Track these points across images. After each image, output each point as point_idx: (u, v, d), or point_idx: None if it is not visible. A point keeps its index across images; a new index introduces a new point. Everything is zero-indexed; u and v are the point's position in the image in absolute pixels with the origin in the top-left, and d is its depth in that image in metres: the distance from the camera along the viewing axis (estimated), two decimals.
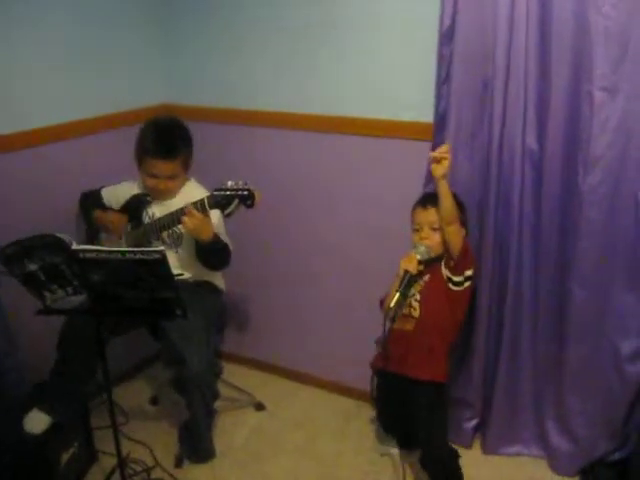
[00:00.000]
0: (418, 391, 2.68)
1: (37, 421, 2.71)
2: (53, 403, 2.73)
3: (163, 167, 2.84)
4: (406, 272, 2.56)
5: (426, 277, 2.67)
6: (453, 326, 2.71)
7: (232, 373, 3.54)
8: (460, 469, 2.66)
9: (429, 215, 2.61)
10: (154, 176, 2.86)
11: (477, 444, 3.12)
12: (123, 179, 3.04)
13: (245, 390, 3.49)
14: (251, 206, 2.53)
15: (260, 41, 3.20)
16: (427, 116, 2.81)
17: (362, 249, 3.19)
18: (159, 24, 3.46)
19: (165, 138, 2.85)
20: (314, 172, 3.26)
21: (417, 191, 2.80)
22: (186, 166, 2.93)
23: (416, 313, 2.67)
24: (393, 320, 2.59)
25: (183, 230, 2.79)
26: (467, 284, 2.63)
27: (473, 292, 2.74)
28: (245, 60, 3.28)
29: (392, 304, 2.53)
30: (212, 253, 2.83)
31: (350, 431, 3.25)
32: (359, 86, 3.01)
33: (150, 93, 3.51)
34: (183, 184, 2.97)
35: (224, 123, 3.41)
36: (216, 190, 2.54)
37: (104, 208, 3.04)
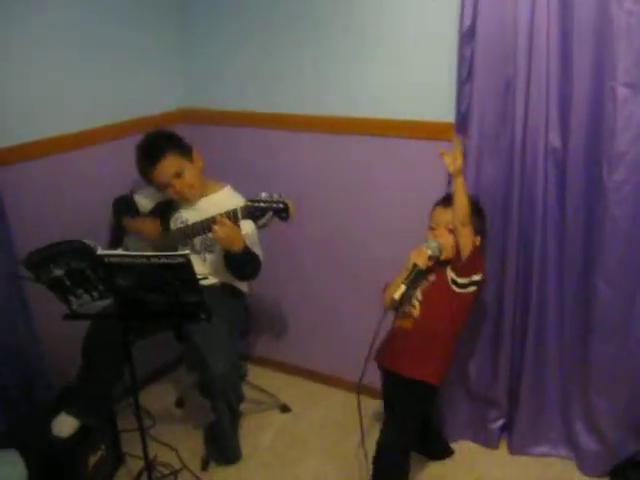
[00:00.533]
0: (407, 390, 2.65)
1: (65, 425, 2.73)
2: (80, 407, 2.76)
3: (162, 170, 2.86)
4: (415, 266, 2.53)
5: (432, 277, 2.63)
6: (452, 330, 2.66)
7: (257, 375, 3.56)
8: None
9: (447, 215, 2.58)
10: (166, 185, 2.89)
11: (503, 444, 3.10)
12: (140, 186, 3.05)
13: (270, 392, 3.50)
14: (286, 219, 2.53)
15: (279, 42, 3.21)
16: (447, 116, 2.80)
17: (386, 251, 3.17)
18: (176, 26, 3.47)
19: (147, 147, 2.91)
20: (335, 174, 3.26)
21: (439, 191, 2.79)
22: (189, 158, 2.93)
23: (416, 312, 2.63)
24: (397, 311, 2.59)
25: (214, 238, 2.79)
26: (472, 289, 2.58)
27: (476, 300, 2.69)
28: (264, 62, 3.29)
29: (396, 296, 2.50)
30: (241, 264, 2.83)
31: (375, 433, 3.23)
32: (378, 87, 3.01)
33: (168, 98, 3.51)
34: (199, 177, 2.97)
35: (243, 126, 3.40)
36: (250, 200, 2.54)
37: (137, 213, 3.06)
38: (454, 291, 2.58)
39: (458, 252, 2.55)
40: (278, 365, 3.79)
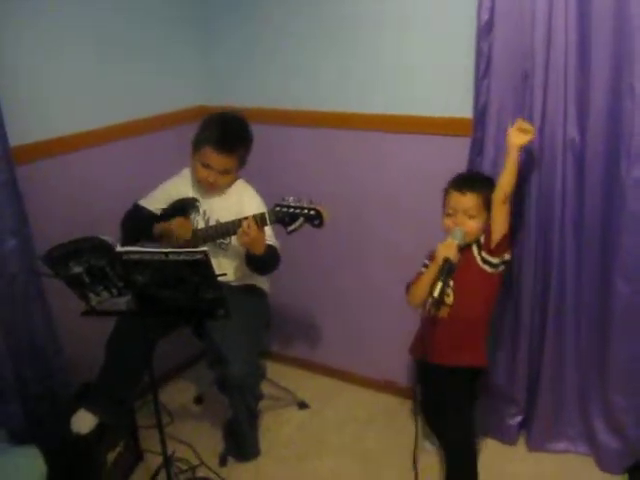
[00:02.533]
0: (456, 378, 2.66)
1: (84, 421, 2.74)
2: (100, 404, 2.76)
3: (219, 160, 2.80)
4: (446, 260, 2.49)
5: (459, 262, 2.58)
6: (487, 312, 2.67)
7: (275, 372, 3.55)
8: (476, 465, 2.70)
9: (467, 201, 2.55)
10: (207, 167, 2.83)
11: (522, 441, 3.09)
12: (156, 184, 3.04)
13: (288, 389, 3.50)
14: (319, 226, 2.47)
15: (299, 37, 3.21)
16: (464, 112, 2.79)
17: (408, 247, 3.15)
18: (195, 21, 3.46)
19: (229, 132, 2.83)
20: (355, 170, 3.25)
21: None
22: (241, 164, 2.90)
23: (449, 300, 2.60)
24: (438, 309, 2.54)
25: (237, 242, 2.75)
26: (501, 269, 2.61)
27: (503, 281, 2.70)
28: (285, 57, 3.29)
29: (436, 294, 2.44)
30: (262, 262, 2.80)
31: (394, 428, 3.24)
32: (395, 83, 3.01)
33: (187, 95, 3.51)
34: (233, 182, 2.94)
35: (264, 123, 3.35)
36: (277, 205, 2.50)
37: (154, 218, 2.96)
38: (485, 272, 2.59)
39: (487, 232, 2.54)
40: (296, 361, 3.80)
